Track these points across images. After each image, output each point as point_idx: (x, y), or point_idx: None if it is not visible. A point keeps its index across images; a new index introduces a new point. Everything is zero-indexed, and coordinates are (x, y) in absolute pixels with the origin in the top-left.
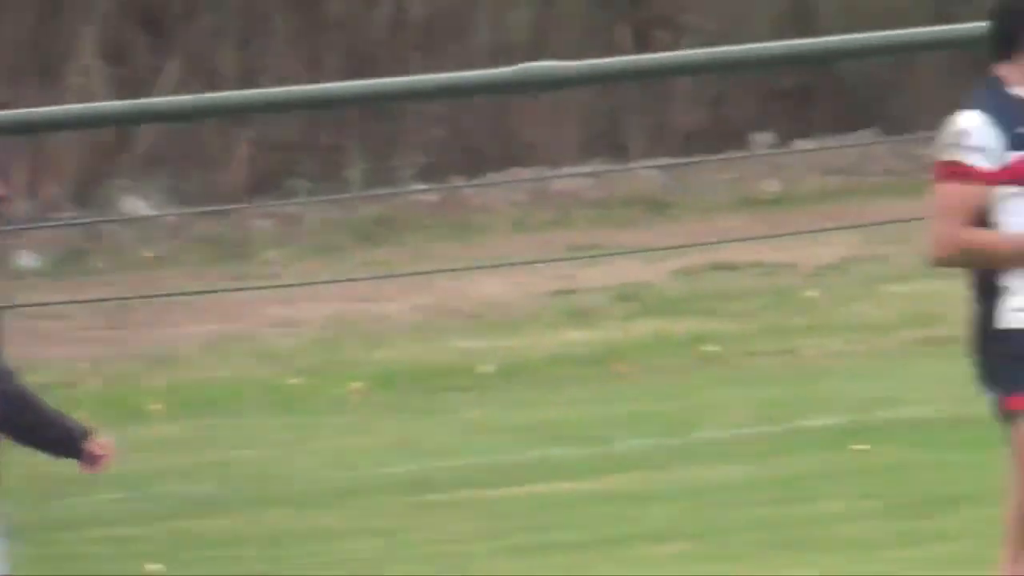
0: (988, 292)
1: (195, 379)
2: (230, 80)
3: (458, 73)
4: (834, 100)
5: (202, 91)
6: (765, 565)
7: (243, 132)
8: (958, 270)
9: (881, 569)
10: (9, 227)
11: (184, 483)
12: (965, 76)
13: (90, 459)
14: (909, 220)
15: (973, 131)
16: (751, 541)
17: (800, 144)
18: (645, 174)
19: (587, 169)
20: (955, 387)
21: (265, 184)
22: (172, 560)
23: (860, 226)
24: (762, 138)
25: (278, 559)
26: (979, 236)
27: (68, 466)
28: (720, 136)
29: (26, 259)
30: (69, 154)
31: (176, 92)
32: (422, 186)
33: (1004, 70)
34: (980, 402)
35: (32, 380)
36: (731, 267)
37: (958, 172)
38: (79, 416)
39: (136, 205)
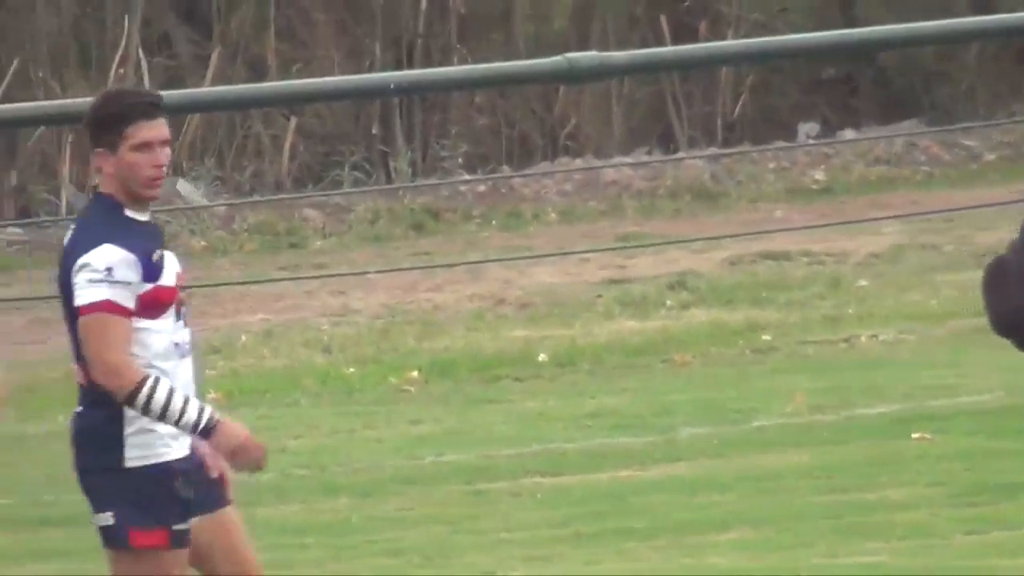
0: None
1: (251, 368)
2: (272, 70)
3: (504, 63)
4: (878, 90)
5: (245, 82)
6: (827, 552)
7: (289, 122)
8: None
9: (943, 557)
10: (61, 219)
11: (244, 472)
12: (1008, 65)
13: None
14: (957, 210)
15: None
16: (812, 529)
17: (846, 134)
18: (692, 164)
19: (635, 159)
20: (1012, 375)
21: (312, 174)
22: None
23: (910, 216)
24: (807, 128)
25: (340, 547)
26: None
27: None
28: (766, 126)
29: None
30: None
31: (218, 83)
32: (469, 176)
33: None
34: None
35: None
36: (781, 256)
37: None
38: None
39: (189, 191)
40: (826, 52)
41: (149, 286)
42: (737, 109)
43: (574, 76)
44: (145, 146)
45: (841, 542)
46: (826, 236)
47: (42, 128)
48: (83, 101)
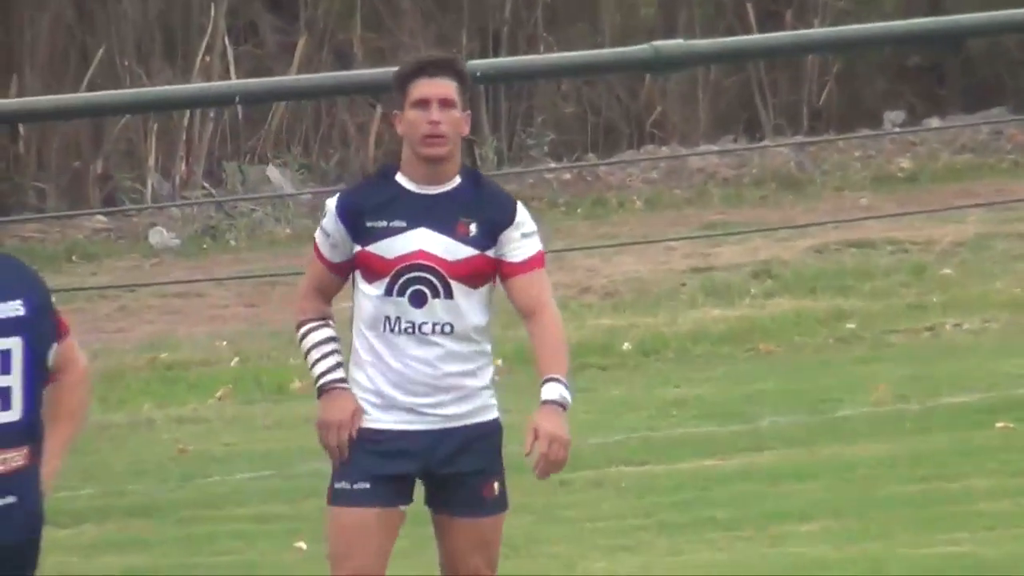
0: None
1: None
2: (358, 59)
3: (590, 51)
4: (964, 78)
5: (330, 70)
6: (911, 542)
7: (375, 110)
8: None
9: None
10: (147, 207)
11: (326, 461)
12: None
13: None
14: None
15: None
16: (897, 518)
17: (931, 122)
18: (778, 152)
19: (720, 148)
20: None
21: (397, 161)
22: (316, 538)
23: (995, 204)
24: (893, 116)
25: (421, 537)
26: None
27: (211, 445)
28: (851, 114)
29: (162, 237)
30: (201, 133)
31: (304, 71)
32: (555, 164)
33: None
34: None
35: (171, 359)
36: (866, 244)
37: None
38: (220, 395)
39: (276, 177)
40: (912, 40)
41: None
42: (823, 97)
43: (660, 64)
44: (422, 103)
45: (925, 532)
46: (911, 224)
47: (128, 116)
48: (168, 89)
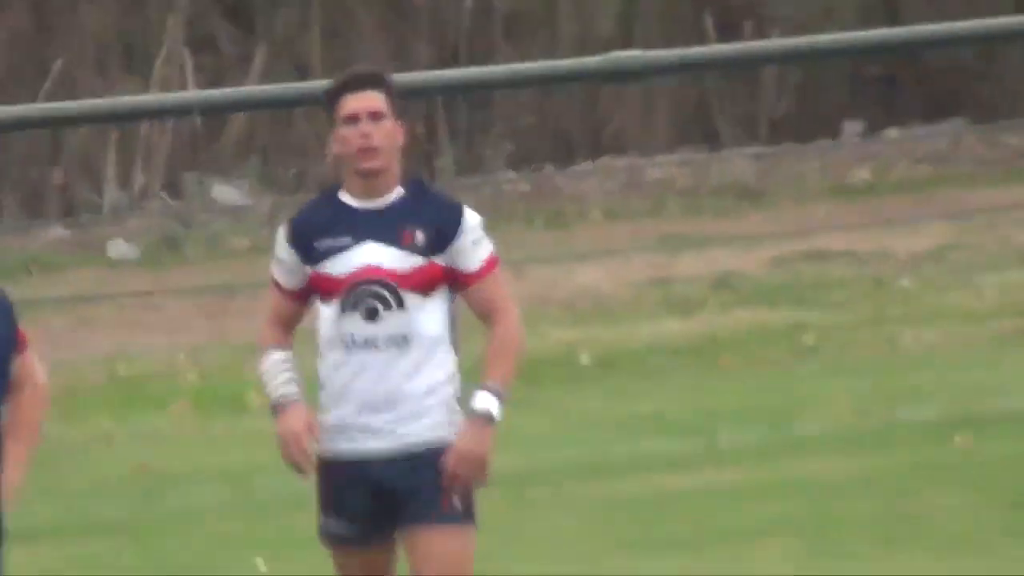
0: None
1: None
2: (316, 69)
3: (548, 62)
4: (922, 88)
5: (289, 81)
6: (872, 561)
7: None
8: None
9: (990, 565)
10: (104, 217)
11: (287, 477)
12: None
13: None
14: (1001, 209)
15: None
16: (858, 536)
17: (889, 133)
18: (736, 162)
19: (679, 157)
20: None
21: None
22: (276, 556)
23: (954, 215)
24: (851, 126)
25: None
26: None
27: (171, 461)
28: (809, 124)
29: (120, 249)
30: (159, 143)
31: (262, 82)
32: (513, 175)
33: None
34: None
35: (129, 370)
36: (825, 256)
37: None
38: (178, 408)
39: (228, 193)
40: (870, 51)
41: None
42: (781, 108)
43: (617, 75)
44: (351, 119)
45: (885, 550)
46: (870, 235)
47: (85, 128)
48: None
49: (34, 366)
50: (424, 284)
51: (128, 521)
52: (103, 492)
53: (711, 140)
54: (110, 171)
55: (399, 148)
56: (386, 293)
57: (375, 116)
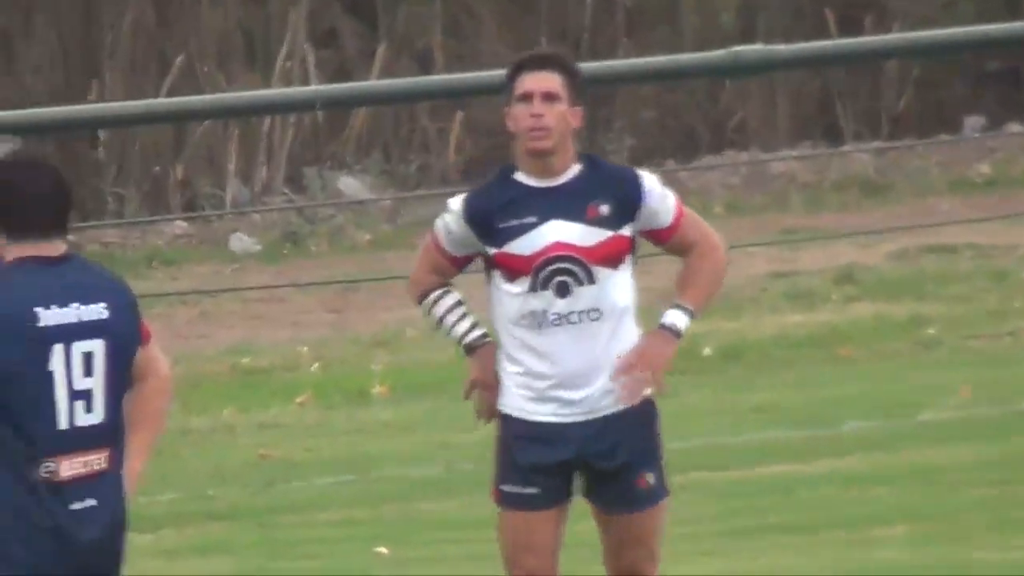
0: None
1: (416, 361)
2: (438, 64)
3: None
4: None
5: (410, 75)
6: (992, 545)
7: (456, 116)
8: None
9: None
10: (226, 212)
11: (408, 466)
12: None
13: None
14: None
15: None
16: (977, 522)
17: (1011, 127)
18: (858, 157)
19: (800, 152)
20: None
21: (478, 167)
22: (398, 542)
23: None
24: (973, 121)
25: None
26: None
27: (292, 450)
28: (930, 119)
29: (242, 243)
30: (281, 138)
31: (384, 76)
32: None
33: None
34: None
35: (252, 364)
36: (947, 250)
37: None
38: (301, 400)
39: (353, 186)
40: (991, 45)
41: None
42: (902, 103)
43: (740, 69)
44: (524, 97)
45: (1005, 535)
46: (991, 229)
47: (208, 122)
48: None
49: (157, 358)
50: (612, 257)
51: (249, 507)
52: (225, 480)
53: (833, 135)
54: (232, 166)
55: (572, 131)
56: (576, 269)
57: (549, 97)
